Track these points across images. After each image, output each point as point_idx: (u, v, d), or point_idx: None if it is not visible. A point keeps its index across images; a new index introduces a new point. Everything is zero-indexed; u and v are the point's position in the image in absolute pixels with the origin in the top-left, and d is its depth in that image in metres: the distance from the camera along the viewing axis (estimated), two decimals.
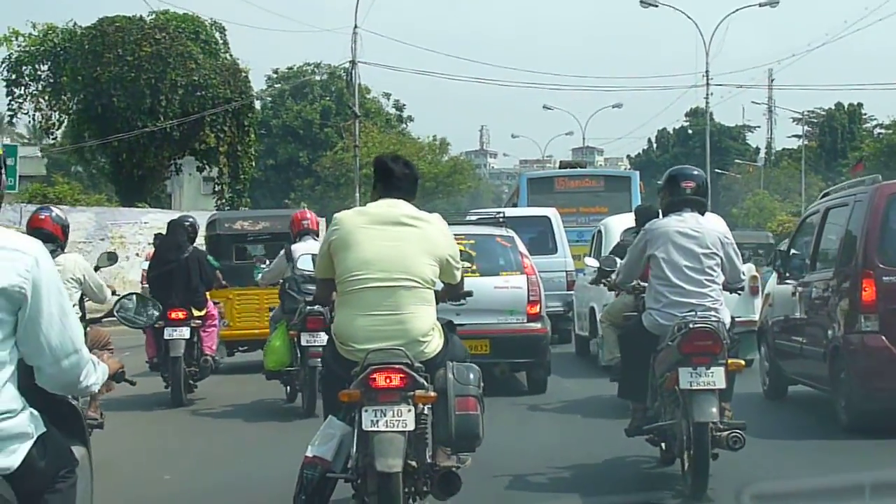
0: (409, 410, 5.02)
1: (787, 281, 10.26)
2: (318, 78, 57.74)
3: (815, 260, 9.89)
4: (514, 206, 20.92)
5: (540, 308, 11.28)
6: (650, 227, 6.95)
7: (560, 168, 25.00)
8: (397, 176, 5.54)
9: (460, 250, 5.83)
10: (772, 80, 66.94)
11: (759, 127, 68.26)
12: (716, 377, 6.27)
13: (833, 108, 70.62)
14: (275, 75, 58.92)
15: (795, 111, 61.42)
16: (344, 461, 5.19)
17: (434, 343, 5.35)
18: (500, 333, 11.02)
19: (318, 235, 10.60)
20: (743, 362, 6.68)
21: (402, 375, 5.03)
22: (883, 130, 56.84)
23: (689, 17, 45.12)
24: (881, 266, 8.39)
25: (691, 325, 6.36)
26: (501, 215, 12.91)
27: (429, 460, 5.21)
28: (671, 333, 6.45)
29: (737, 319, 7.59)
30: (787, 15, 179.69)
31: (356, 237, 5.34)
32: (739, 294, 7.65)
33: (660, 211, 7.28)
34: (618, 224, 13.76)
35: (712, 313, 6.55)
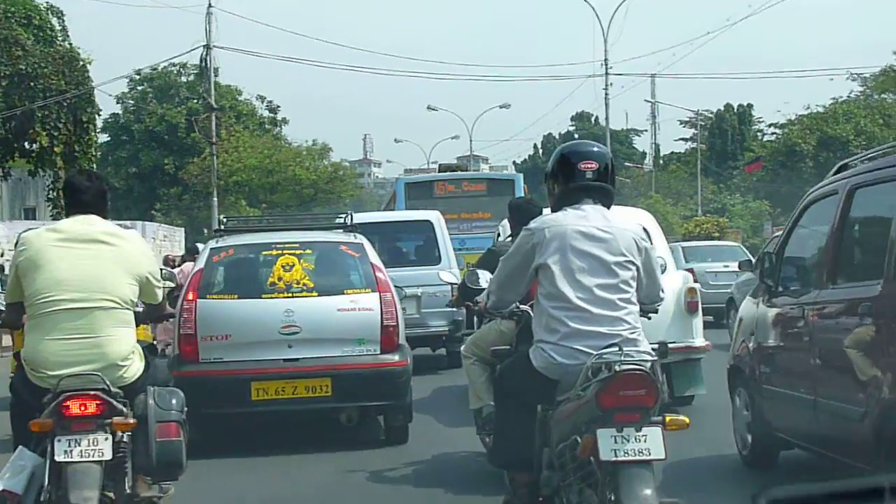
0: (107, 438, 4.96)
1: (782, 298, 7.35)
2: (183, 79, 54.41)
3: (834, 268, 6.58)
4: None
5: (397, 335, 9.04)
6: (538, 224, 5.11)
7: (440, 171, 23.56)
8: (81, 189, 5.41)
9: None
10: (655, 75, 65.43)
11: (645, 131, 67.65)
12: (651, 443, 4.53)
13: (722, 109, 69.80)
14: (137, 76, 55.23)
15: (689, 109, 60.19)
16: (36, 494, 5.02)
17: (134, 367, 5.30)
18: (345, 369, 8.83)
19: None
20: (686, 419, 4.73)
21: (98, 402, 4.97)
22: (778, 130, 56.14)
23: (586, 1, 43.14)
24: None
25: (616, 368, 4.61)
26: (347, 216, 10.41)
27: (128, 491, 5.17)
28: (582, 378, 4.71)
29: (672, 345, 6.23)
30: (667, 18, 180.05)
31: (47, 256, 5.22)
32: (649, 319, 5.47)
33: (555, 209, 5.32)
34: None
35: (640, 348, 4.83)
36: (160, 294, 5.56)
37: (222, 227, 10.23)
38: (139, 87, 55.30)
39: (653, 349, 4.91)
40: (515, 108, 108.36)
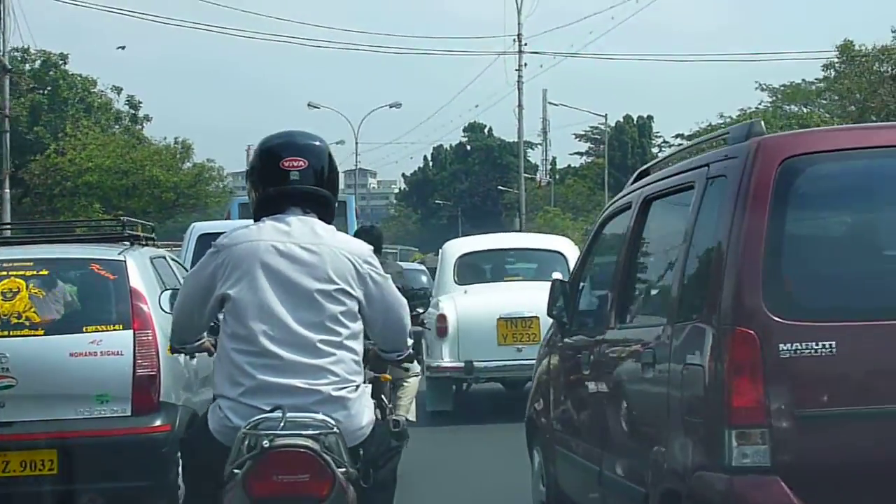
0: None
1: (573, 339, 6.26)
2: (27, 67, 51.52)
3: (623, 301, 5.56)
4: None
5: (157, 389, 7.23)
6: (227, 240, 4.26)
7: None
8: None
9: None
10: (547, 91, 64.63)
11: (539, 144, 66.91)
12: None
13: (622, 120, 69.61)
14: None
15: (597, 113, 59.48)
16: None
17: None
18: (77, 438, 7.03)
19: None
20: None
21: None
22: (684, 142, 55.91)
23: None
24: (774, 317, 4.11)
25: (265, 443, 3.82)
26: (122, 219, 9.05)
27: None
28: (234, 453, 3.93)
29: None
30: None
31: None
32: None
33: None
34: (457, 247, 13.95)
35: (320, 413, 3.97)
36: None
37: None
38: None
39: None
40: (408, 107, 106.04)
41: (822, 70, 31.73)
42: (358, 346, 4.18)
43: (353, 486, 4.02)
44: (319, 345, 4.04)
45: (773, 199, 4.21)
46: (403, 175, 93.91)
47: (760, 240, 4.16)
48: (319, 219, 4.28)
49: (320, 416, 3.98)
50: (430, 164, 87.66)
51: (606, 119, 60.26)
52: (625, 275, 5.59)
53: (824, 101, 48.37)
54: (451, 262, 13.44)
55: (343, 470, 3.94)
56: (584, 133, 69.91)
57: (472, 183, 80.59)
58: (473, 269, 13.66)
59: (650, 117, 71.93)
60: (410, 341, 4.56)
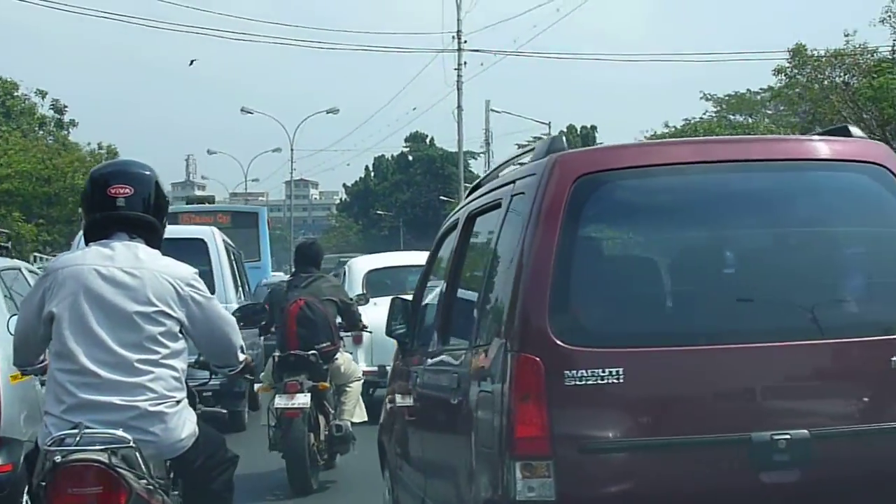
0: None
1: (408, 359, 6.20)
2: None
3: (446, 321, 5.41)
4: None
5: None
6: (55, 264, 4.60)
7: (188, 203, 26.26)
8: None
9: None
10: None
11: (482, 153, 66.62)
12: None
13: (565, 129, 69.62)
14: None
15: (541, 121, 58.97)
16: None
17: None
18: None
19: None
20: None
21: None
22: None
23: None
24: (559, 342, 3.94)
25: (58, 458, 4.06)
26: None
27: None
28: (38, 470, 4.16)
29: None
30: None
31: None
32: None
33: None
34: (363, 264, 14.84)
35: (120, 430, 4.17)
36: None
37: None
38: None
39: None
40: (346, 113, 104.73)
41: (773, 74, 31.10)
42: (179, 363, 4.43)
43: (164, 496, 4.28)
44: (137, 364, 4.30)
45: (565, 219, 4.05)
46: (345, 185, 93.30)
47: (550, 261, 4.00)
48: (147, 243, 4.53)
49: (119, 433, 4.18)
50: (372, 174, 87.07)
51: (550, 127, 60.03)
52: (448, 294, 5.41)
53: (769, 112, 48.62)
54: (358, 277, 14.50)
55: (144, 482, 4.13)
56: (526, 143, 69.88)
57: (413, 193, 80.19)
58: (379, 284, 14.20)
59: (594, 127, 71.96)
60: (242, 356, 4.83)
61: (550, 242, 4.01)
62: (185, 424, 4.42)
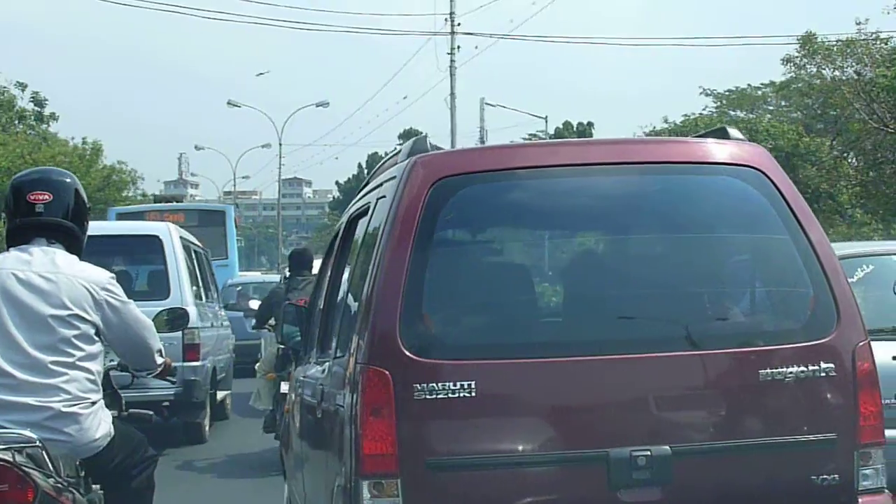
0: None
1: (300, 369, 6.07)
2: None
3: (323, 331, 5.33)
4: None
5: None
6: None
7: (155, 203, 27.05)
8: None
9: None
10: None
11: None
12: None
13: (561, 126, 69.44)
14: None
15: (537, 115, 58.66)
16: None
17: None
18: None
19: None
20: None
21: None
22: None
23: None
24: (409, 354, 3.83)
25: None
26: None
27: None
28: None
29: None
30: None
31: None
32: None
33: None
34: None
35: (28, 429, 4.25)
36: None
37: None
38: None
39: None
40: (336, 106, 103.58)
41: (782, 63, 30.33)
42: (94, 365, 4.59)
43: (74, 494, 4.32)
44: (51, 365, 4.43)
45: (420, 224, 3.91)
46: (337, 183, 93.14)
47: (403, 269, 3.86)
48: (67, 249, 4.68)
49: (26, 433, 4.25)
50: (365, 171, 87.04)
51: (547, 121, 59.78)
52: (327, 302, 5.31)
53: (770, 107, 48.33)
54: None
55: (52, 480, 4.18)
56: (523, 140, 69.72)
57: None
58: None
59: (590, 123, 71.58)
60: (161, 359, 5.00)
61: (405, 249, 3.88)
62: (99, 425, 4.56)
